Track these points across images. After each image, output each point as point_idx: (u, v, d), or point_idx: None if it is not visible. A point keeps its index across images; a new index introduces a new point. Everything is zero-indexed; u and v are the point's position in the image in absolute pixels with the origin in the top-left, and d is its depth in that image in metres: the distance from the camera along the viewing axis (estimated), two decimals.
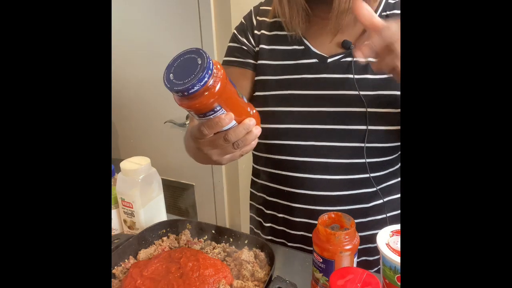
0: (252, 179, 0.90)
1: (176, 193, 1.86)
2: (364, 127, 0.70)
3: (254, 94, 0.78)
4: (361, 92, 0.69)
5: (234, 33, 0.83)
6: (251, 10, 0.84)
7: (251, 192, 0.91)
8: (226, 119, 0.51)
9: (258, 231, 0.90)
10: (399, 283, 0.54)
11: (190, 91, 0.46)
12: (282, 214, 0.81)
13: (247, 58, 0.80)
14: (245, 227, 1.76)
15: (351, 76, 0.71)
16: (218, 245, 0.74)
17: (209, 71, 0.46)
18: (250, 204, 0.92)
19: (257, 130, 0.56)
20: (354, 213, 0.75)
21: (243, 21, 0.84)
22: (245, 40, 0.81)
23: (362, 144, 0.71)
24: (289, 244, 0.83)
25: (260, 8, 0.82)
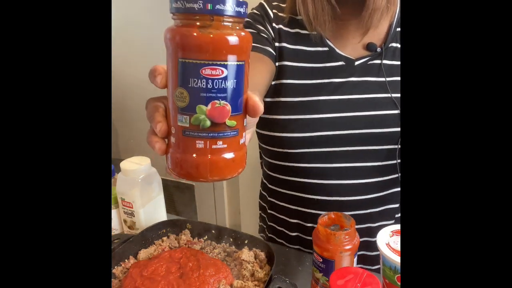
0: (271, 189, 0.84)
1: (176, 193, 1.86)
2: (397, 130, 0.68)
3: (278, 100, 0.71)
4: (393, 95, 0.68)
5: (248, 21, 0.74)
6: (261, 2, 0.76)
7: (269, 201, 0.86)
8: None
9: (282, 241, 0.85)
10: (399, 283, 0.54)
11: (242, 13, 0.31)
12: (310, 224, 0.79)
13: (265, 45, 0.71)
14: (245, 227, 1.76)
15: (382, 79, 0.69)
16: (218, 245, 0.74)
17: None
18: (269, 213, 0.86)
19: None
20: (385, 215, 0.75)
21: (255, 11, 0.75)
22: (262, 28, 0.72)
23: (396, 146, 0.69)
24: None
25: (273, 3, 0.76)
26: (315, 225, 0.76)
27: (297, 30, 0.72)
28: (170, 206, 1.97)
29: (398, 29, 0.71)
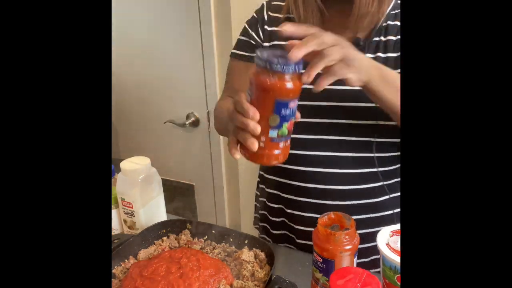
0: (259, 174, 0.90)
1: (176, 193, 1.86)
2: (373, 122, 0.71)
3: None
4: None
5: (245, 26, 0.83)
6: (263, 4, 0.83)
7: (260, 187, 0.91)
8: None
9: (266, 224, 0.89)
10: (399, 283, 0.54)
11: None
12: (290, 210, 0.81)
13: (253, 52, 0.79)
14: (245, 227, 1.76)
15: None
16: (218, 245, 0.74)
17: None
18: (259, 199, 0.92)
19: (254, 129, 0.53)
20: (362, 208, 0.76)
21: (254, 15, 0.83)
22: (254, 34, 0.81)
23: (372, 139, 0.71)
24: (298, 241, 0.83)
25: (273, 3, 0.81)
26: (295, 212, 0.80)
27: None
28: (170, 206, 1.97)
29: (386, 23, 0.72)
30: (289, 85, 0.50)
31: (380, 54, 0.72)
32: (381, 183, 0.76)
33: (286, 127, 0.52)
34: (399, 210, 0.79)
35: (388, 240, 0.57)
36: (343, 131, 0.73)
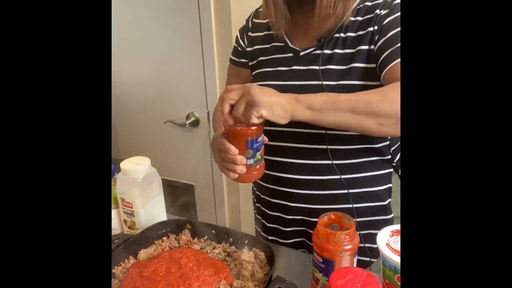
0: None
1: (176, 193, 1.86)
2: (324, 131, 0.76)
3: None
4: (324, 82, 0.74)
5: (237, 34, 0.94)
6: (252, 12, 0.93)
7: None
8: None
9: (259, 205, 0.96)
10: (399, 283, 0.54)
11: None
12: (267, 197, 0.89)
13: (240, 58, 0.92)
14: (245, 227, 1.76)
15: (316, 67, 0.76)
16: (218, 245, 0.74)
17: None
18: (255, 193, 0.98)
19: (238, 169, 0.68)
20: (322, 199, 0.81)
21: (244, 22, 0.93)
22: (241, 41, 0.92)
23: (324, 131, 0.76)
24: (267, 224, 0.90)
25: (259, 10, 0.91)
26: (270, 199, 0.88)
27: (266, 32, 0.87)
28: (170, 206, 1.97)
29: (350, 19, 0.75)
30: (254, 127, 0.65)
31: (337, 50, 0.76)
32: (338, 176, 0.79)
33: (259, 154, 0.69)
34: (357, 205, 0.82)
35: (388, 240, 0.57)
36: (298, 123, 0.77)
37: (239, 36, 0.93)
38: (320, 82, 0.75)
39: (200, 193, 1.82)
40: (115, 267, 0.68)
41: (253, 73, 0.89)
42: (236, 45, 0.94)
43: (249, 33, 0.90)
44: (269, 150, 0.80)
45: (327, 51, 0.77)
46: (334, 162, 0.79)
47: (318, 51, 0.78)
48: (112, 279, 0.65)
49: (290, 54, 0.81)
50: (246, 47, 0.90)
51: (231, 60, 0.95)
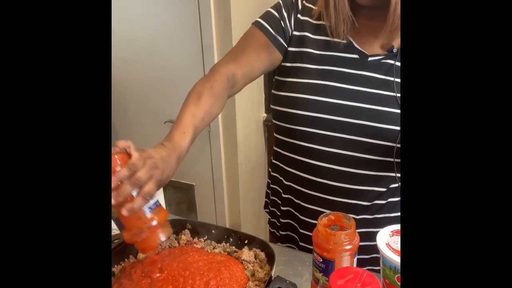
0: (272, 163, 0.91)
1: (176, 193, 1.86)
2: (395, 128, 0.70)
3: (291, 80, 0.77)
4: (398, 95, 0.71)
5: (279, 3, 0.80)
6: None
7: (272, 176, 0.92)
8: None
9: (275, 209, 0.91)
10: (399, 283, 0.54)
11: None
12: (298, 200, 0.82)
13: (278, 34, 0.78)
14: (245, 227, 1.76)
15: (391, 78, 0.72)
16: (218, 245, 0.74)
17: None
18: (270, 186, 0.93)
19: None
20: (370, 209, 0.77)
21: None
22: (286, 17, 0.78)
23: (393, 144, 0.71)
24: (301, 230, 0.84)
25: None
26: (302, 203, 0.81)
27: (322, 22, 0.76)
28: (170, 206, 1.97)
29: None
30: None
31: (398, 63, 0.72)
32: (396, 185, 0.76)
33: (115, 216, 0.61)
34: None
35: (388, 240, 0.57)
36: (365, 133, 0.73)
37: (283, 9, 0.78)
38: (394, 94, 0.71)
39: (200, 193, 1.82)
40: (115, 266, 0.68)
41: (294, 65, 0.77)
42: (276, 15, 0.78)
43: (298, 15, 0.78)
44: (324, 156, 0.76)
45: (399, 63, 0.72)
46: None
47: (388, 61, 0.73)
48: (112, 278, 0.65)
49: (355, 56, 0.74)
50: (293, 30, 0.78)
51: (262, 26, 0.78)
